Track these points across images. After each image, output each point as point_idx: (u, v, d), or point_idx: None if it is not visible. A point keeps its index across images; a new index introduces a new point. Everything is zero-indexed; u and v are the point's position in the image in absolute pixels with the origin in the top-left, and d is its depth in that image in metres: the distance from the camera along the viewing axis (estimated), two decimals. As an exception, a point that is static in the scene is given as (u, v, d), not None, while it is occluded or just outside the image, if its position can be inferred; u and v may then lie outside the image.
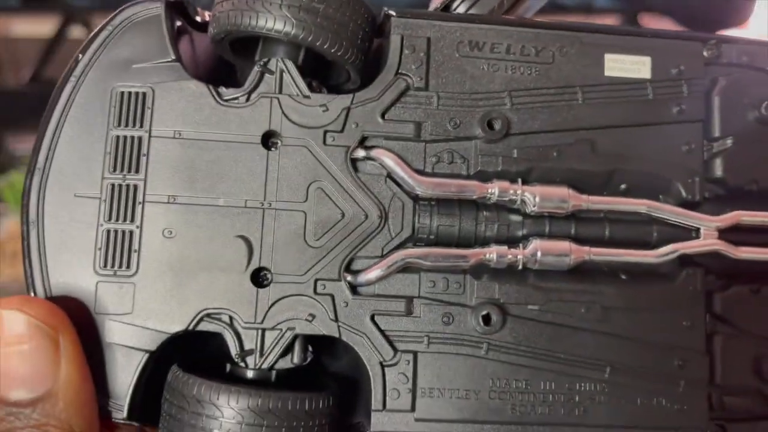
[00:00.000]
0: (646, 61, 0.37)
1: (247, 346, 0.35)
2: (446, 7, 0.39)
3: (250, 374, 0.36)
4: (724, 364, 0.36)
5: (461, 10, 0.38)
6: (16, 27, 1.62)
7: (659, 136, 0.37)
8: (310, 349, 0.37)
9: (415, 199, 0.36)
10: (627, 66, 0.37)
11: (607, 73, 0.37)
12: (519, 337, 0.35)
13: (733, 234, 0.36)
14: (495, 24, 0.37)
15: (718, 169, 0.37)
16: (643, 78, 0.37)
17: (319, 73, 0.39)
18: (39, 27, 1.52)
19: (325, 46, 0.35)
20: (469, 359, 0.35)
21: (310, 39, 0.35)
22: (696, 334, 0.36)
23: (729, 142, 0.37)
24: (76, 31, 1.51)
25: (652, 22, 1.53)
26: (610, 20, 1.56)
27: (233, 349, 0.35)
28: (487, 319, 0.35)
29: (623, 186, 0.37)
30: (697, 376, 0.35)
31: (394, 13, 0.37)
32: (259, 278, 0.35)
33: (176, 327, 0.35)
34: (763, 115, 0.37)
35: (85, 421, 0.33)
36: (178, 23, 0.39)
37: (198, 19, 0.40)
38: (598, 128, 0.36)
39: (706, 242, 0.36)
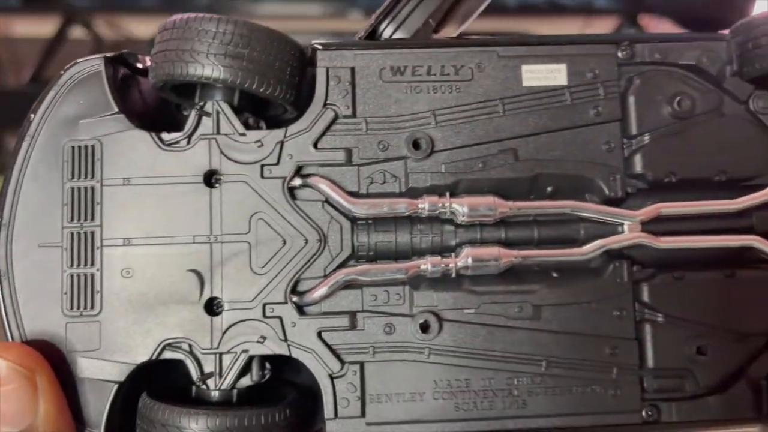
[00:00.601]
0: (562, 68, 0.39)
1: (208, 369, 0.38)
2: (372, 32, 0.40)
3: (213, 396, 0.38)
4: (654, 348, 0.38)
5: (388, 32, 0.40)
6: (16, 27, 1.62)
7: (579, 139, 0.39)
8: (268, 366, 0.40)
9: (353, 220, 0.39)
10: (543, 75, 0.39)
11: (525, 83, 0.39)
12: (457, 340, 0.38)
13: (658, 224, 0.38)
14: (414, 48, 0.39)
15: (638, 164, 0.39)
16: (560, 85, 0.39)
17: (258, 107, 0.41)
18: (39, 27, 1.52)
19: (254, 87, 0.37)
20: (413, 364, 0.38)
21: (239, 82, 0.37)
22: (626, 322, 0.38)
23: (646, 138, 0.39)
24: (76, 32, 1.51)
25: (651, 22, 1.53)
26: (609, 21, 1.56)
27: (194, 374, 0.38)
28: (425, 327, 0.38)
29: (549, 188, 0.39)
30: (629, 361, 0.38)
31: (319, 47, 0.39)
32: (212, 307, 0.38)
33: (141, 358, 0.38)
34: (676, 109, 0.39)
35: None
36: (124, 71, 0.42)
37: (140, 66, 0.42)
38: (519, 137, 0.38)
39: (630, 236, 0.38)
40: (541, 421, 0.38)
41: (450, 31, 0.43)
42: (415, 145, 0.39)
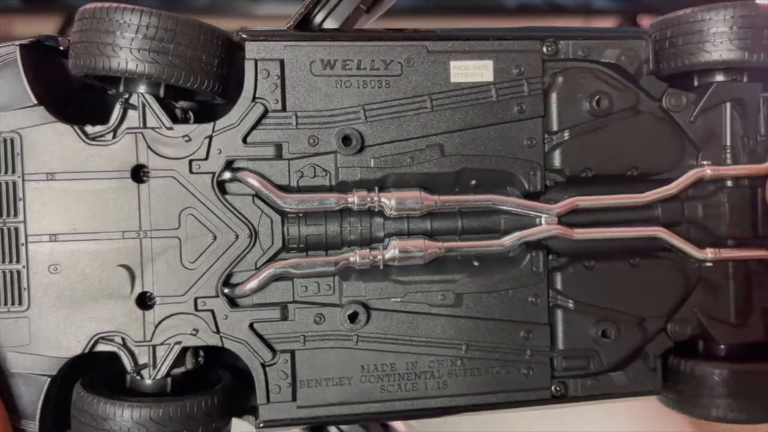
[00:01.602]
0: (489, 64, 0.39)
1: (142, 361, 0.38)
2: (304, 20, 0.40)
3: (147, 386, 0.39)
4: (564, 332, 0.41)
5: (319, 19, 0.40)
6: (17, 27, 1.63)
7: (503, 134, 0.40)
8: (202, 353, 0.41)
9: (283, 213, 0.39)
10: (471, 71, 0.39)
11: (453, 79, 0.39)
12: (384, 327, 0.40)
13: (575, 216, 0.40)
14: (344, 40, 0.39)
15: (557, 160, 0.41)
16: (486, 81, 0.39)
17: (186, 96, 0.40)
18: (40, 27, 1.52)
19: (180, 82, 0.37)
20: (342, 351, 0.40)
21: (164, 77, 0.36)
22: (540, 308, 0.41)
23: (566, 134, 0.41)
24: (77, 32, 1.51)
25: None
26: (609, 21, 1.56)
27: (127, 366, 0.39)
28: (353, 317, 0.40)
29: (473, 182, 0.40)
30: (541, 344, 0.41)
31: (247, 37, 0.39)
32: (144, 301, 0.39)
33: (73, 352, 0.38)
34: (594, 108, 0.40)
35: None
36: (43, 56, 0.40)
37: (62, 48, 0.41)
38: (446, 133, 0.39)
39: (545, 228, 0.40)
40: (460, 400, 0.40)
41: (377, 11, 0.42)
42: (346, 140, 0.39)
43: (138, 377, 0.39)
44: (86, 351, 0.38)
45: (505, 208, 0.40)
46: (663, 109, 0.42)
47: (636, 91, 0.41)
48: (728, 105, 0.41)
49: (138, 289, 0.39)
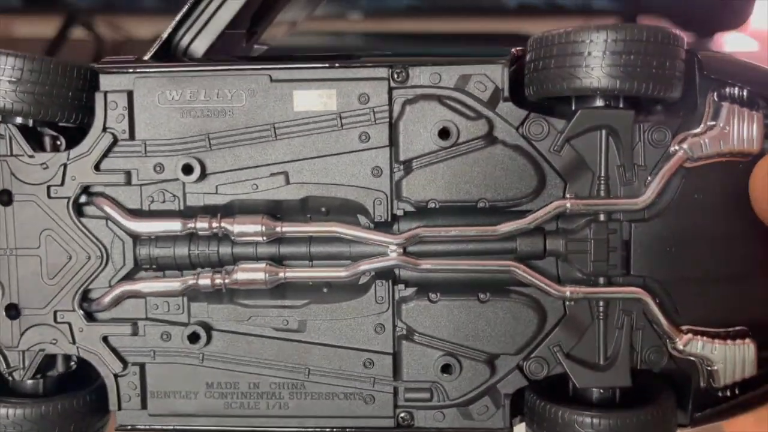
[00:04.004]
0: (332, 93, 0.39)
1: (13, 364, 0.42)
2: (167, 42, 0.42)
3: (27, 386, 0.43)
4: (407, 363, 0.41)
5: (186, 40, 0.42)
6: (17, 27, 1.63)
7: (348, 163, 0.40)
8: (74, 359, 0.44)
9: (136, 236, 0.41)
10: (314, 100, 0.39)
11: (297, 108, 0.39)
12: (228, 347, 0.42)
13: (425, 246, 0.40)
14: (190, 72, 0.39)
15: (404, 190, 0.40)
16: (330, 111, 0.39)
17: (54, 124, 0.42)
18: (40, 28, 1.52)
19: (39, 117, 0.39)
20: (188, 367, 0.42)
21: (23, 113, 0.39)
22: (384, 338, 0.41)
23: (413, 164, 0.40)
24: (77, 32, 1.51)
25: (650, 23, 1.54)
26: (609, 21, 1.56)
27: (2, 366, 0.42)
28: (192, 338, 0.42)
29: (323, 208, 0.41)
30: (383, 373, 0.41)
31: (99, 69, 0.40)
32: (11, 311, 0.41)
33: None
34: (438, 139, 0.39)
35: None
36: None
37: None
38: (290, 161, 0.40)
39: (389, 258, 0.40)
40: (302, 422, 0.42)
41: (279, 33, 0.43)
42: (186, 169, 0.40)
43: (10, 378, 0.43)
44: None
45: (349, 237, 0.40)
46: (523, 136, 0.40)
47: (489, 119, 0.40)
48: (603, 132, 0.39)
49: (6, 301, 0.42)
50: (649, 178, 0.40)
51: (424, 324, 0.41)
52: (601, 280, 0.40)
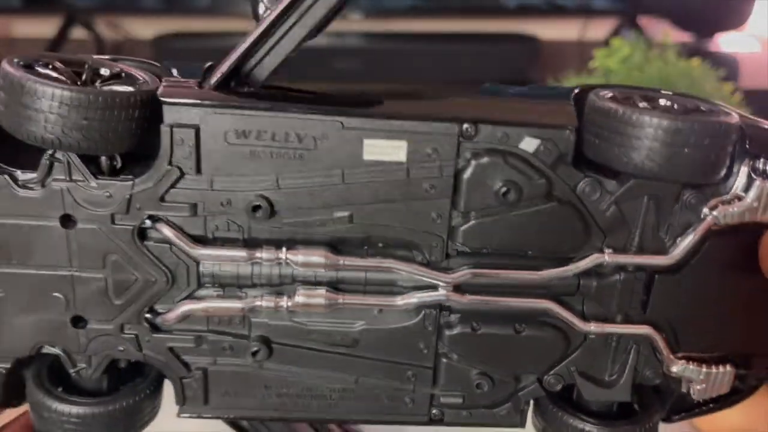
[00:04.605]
0: (402, 145, 0.40)
1: (81, 365, 0.44)
2: (226, 80, 0.40)
3: (87, 384, 0.45)
4: (446, 376, 0.45)
5: (249, 66, 0.41)
6: (17, 27, 1.63)
7: (411, 209, 0.41)
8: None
9: (198, 262, 0.42)
10: (384, 150, 0.40)
11: (366, 157, 0.40)
12: (285, 359, 0.44)
13: (472, 281, 0.43)
14: (260, 111, 0.39)
15: (460, 237, 0.42)
16: (399, 161, 0.40)
17: None
18: (41, 28, 1.53)
19: (96, 152, 0.39)
20: (248, 372, 0.45)
21: (78, 149, 0.38)
22: (427, 356, 0.45)
23: (472, 215, 0.42)
24: (77, 32, 1.52)
25: (650, 24, 1.54)
26: (609, 22, 1.56)
27: (68, 367, 0.44)
28: (255, 353, 0.44)
29: (381, 244, 0.42)
30: (424, 383, 0.45)
31: (164, 100, 0.39)
32: (77, 322, 0.43)
33: (22, 353, 0.43)
34: (502, 198, 0.41)
35: None
36: None
37: None
38: (356, 204, 0.41)
39: (439, 294, 0.43)
40: (348, 416, 0.47)
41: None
42: (254, 209, 0.41)
43: (78, 376, 0.44)
44: (33, 354, 0.43)
45: (405, 272, 0.42)
46: (576, 196, 0.42)
47: (550, 180, 0.41)
48: (646, 198, 0.41)
49: (72, 313, 0.43)
50: (679, 239, 0.43)
51: (465, 348, 0.45)
52: (619, 317, 0.44)
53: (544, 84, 1.09)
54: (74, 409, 0.44)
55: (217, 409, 0.46)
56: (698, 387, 0.45)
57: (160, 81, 0.40)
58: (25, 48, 1.55)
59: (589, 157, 0.41)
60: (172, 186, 0.40)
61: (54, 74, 0.39)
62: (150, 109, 0.39)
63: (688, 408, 0.48)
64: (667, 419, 0.48)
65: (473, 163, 0.40)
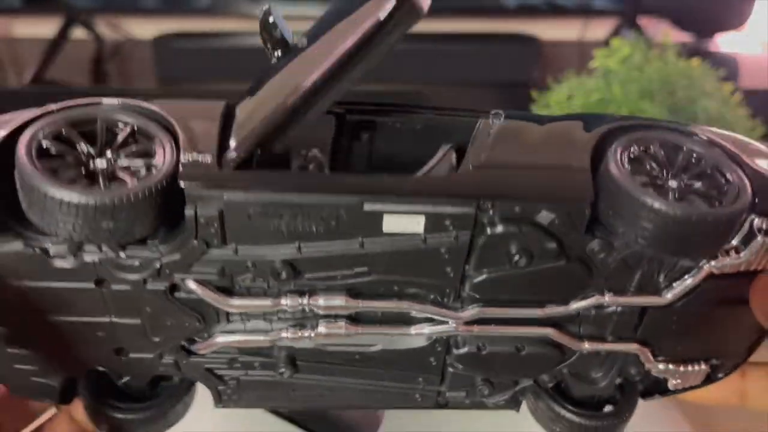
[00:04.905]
0: (421, 220, 0.41)
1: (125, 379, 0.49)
2: (248, 161, 0.41)
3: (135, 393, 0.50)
4: (452, 381, 0.50)
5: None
6: (17, 27, 1.63)
7: (426, 267, 0.43)
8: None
9: (227, 313, 0.46)
10: (403, 224, 0.41)
11: (386, 229, 0.42)
12: (309, 371, 0.49)
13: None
14: (283, 192, 0.40)
15: (472, 287, 0.44)
16: (417, 232, 0.42)
17: None
18: (41, 28, 1.53)
19: (125, 241, 0.41)
20: (276, 382, 0.49)
21: (109, 242, 0.40)
22: (437, 366, 0.49)
23: (484, 273, 0.44)
24: (77, 32, 1.52)
25: (650, 24, 1.54)
26: (609, 22, 1.56)
27: (114, 379, 0.49)
28: (282, 373, 0.48)
29: (396, 287, 0.45)
30: (433, 385, 0.50)
31: (186, 188, 0.40)
32: (120, 352, 0.47)
33: (77, 374, 0.48)
34: (514, 263, 0.43)
35: None
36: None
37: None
38: (374, 264, 0.43)
39: (449, 327, 0.46)
40: (364, 406, 0.56)
41: None
42: (277, 273, 0.43)
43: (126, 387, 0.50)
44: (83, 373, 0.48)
45: (420, 312, 0.46)
46: (586, 254, 0.43)
47: (561, 244, 0.42)
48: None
49: (114, 346, 0.46)
50: (676, 282, 0.44)
51: (471, 363, 0.48)
52: (611, 338, 0.47)
53: (544, 85, 1.09)
54: (121, 415, 0.48)
55: (250, 403, 0.51)
56: (674, 382, 0.49)
57: (176, 143, 0.40)
58: (26, 48, 1.55)
59: (599, 219, 0.42)
60: (200, 256, 0.42)
61: (72, 171, 0.39)
62: (172, 188, 0.40)
63: (662, 391, 0.52)
64: (642, 397, 0.52)
65: (488, 231, 0.42)
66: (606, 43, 1.26)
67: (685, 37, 1.55)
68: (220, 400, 0.50)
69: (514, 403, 0.52)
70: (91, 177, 0.39)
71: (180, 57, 1.42)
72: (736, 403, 0.52)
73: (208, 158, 0.40)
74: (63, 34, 1.48)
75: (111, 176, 0.39)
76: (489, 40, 1.55)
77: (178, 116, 0.41)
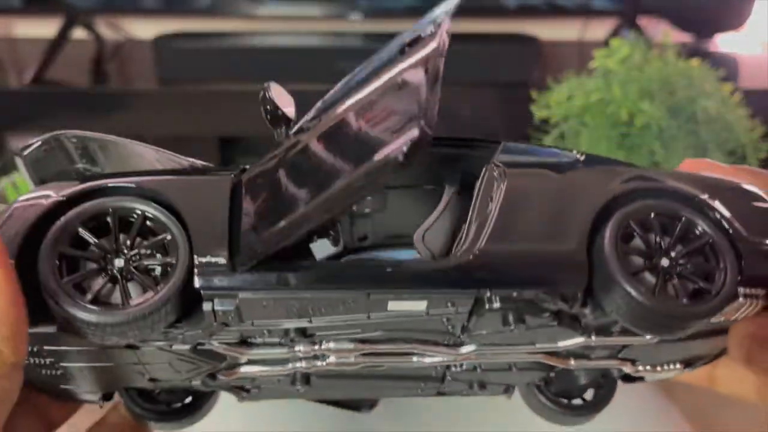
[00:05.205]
0: (423, 303, 0.44)
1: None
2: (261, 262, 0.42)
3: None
4: (451, 383, 0.55)
5: None
6: (18, 28, 1.63)
7: (429, 326, 0.46)
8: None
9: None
10: (407, 305, 0.44)
11: (390, 309, 0.44)
12: (323, 386, 0.53)
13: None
14: (293, 291, 0.42)
15: (470, 337, 0.48)
16: (419, 311, 0.45)
17: None
18: (41, 28, 1.53)
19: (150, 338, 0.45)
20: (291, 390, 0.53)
21: (138, 340, 0.45)
22: (437, 376, 0.53)
23: (483, 332, 0.47)
24: (78, 33, 1.52)
25: (650, 24, 1.54)
26: (609, 22, 1.56)
27: (149, 389, 0.54)
28: (298, 390, 0.53)
29: (401, 337, 0.48)
30: (434, 385, 0.55)
31: (203, 289, 0.42)
32: (153, 380, 0.51)
33: (113, 390, 0.53)
34: (506, 329, 0.46)
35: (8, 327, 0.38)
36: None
37: None
38: (380, 327, 0.46)
39: (449, 358, 0.49)
40: (370, 396, 0.60)
41: None
42: (291, 337, 0.47)
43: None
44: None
45: (425, 351, 0.49)
46: (576, 315, 0.46)
47: (554, 313, 0.45)
48: None
49: (148, 377, 0.50)
50: None
51: (468, 377, 0.54)
52: (595, 358, 0.51)
53: (544, 85, 1.09)
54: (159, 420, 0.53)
55: (268, 398, 0.55)
56: (651, 378, 0.53)
57: (186, 231, 0.42)
58: (26, 48, 1.55)
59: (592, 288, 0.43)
60: (219, 330, 0.45)
61: (94, 279, 0.42)
62: (189, 283, 0.42)
63: (638, 380, 0.54)
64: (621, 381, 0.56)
65: (487, 306, 0.44)
66: (606, 43, 1.26)
67: (685, 37, 1.55)
68: (241, 399, 0.55)
69: (506, 393, 0.57)
70: (114, 280, 0.42)
71: (180, 57, 1.42)
72: (705, 386, 0.54)
73: (221, 260, 0.42)
74: (63, 35, 1.47)
75: (129, 276, 0.42)
76: (489, 40, 1.55)
77: (187, 208, 0.43)
